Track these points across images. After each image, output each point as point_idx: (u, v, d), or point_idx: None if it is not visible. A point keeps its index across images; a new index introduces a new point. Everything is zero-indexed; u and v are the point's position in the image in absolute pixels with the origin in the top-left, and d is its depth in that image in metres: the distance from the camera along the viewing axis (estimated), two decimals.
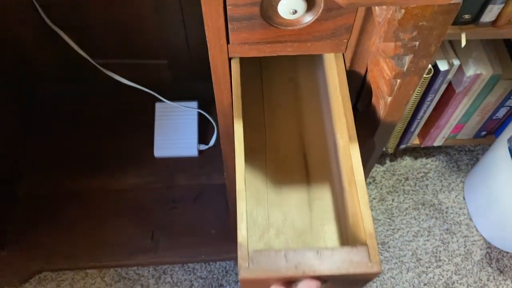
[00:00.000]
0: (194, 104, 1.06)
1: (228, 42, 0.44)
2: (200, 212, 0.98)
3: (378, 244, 0.94)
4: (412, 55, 0.37)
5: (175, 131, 1.05)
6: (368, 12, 0.39)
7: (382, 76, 0.41)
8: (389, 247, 0.97)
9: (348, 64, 0.46)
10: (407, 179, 1.05)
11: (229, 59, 0.46)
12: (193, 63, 1.06)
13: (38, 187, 0.99)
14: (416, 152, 1.08)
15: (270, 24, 0.42)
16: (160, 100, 1.04)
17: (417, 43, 0.35)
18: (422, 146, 1.00)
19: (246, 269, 0.36)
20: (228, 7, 0.40)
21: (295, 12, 0.40)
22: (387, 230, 0.98)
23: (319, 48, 0.45)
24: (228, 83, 0.49)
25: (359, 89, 0.49)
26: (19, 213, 0.96)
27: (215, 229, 0.96)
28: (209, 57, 0.46)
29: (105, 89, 1.06)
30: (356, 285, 0.43)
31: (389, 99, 0.42)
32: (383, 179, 1.04)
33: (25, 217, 0.96)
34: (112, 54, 1.04)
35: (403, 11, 0.32)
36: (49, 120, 1.06)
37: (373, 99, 0.46)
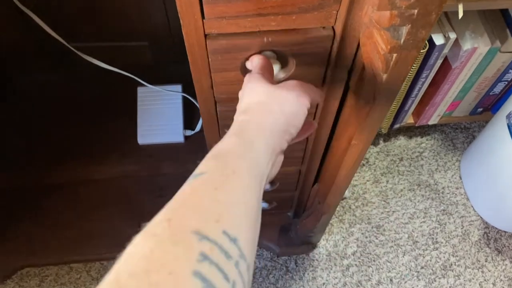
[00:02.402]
0: (178, 87, 1.02)
1: (203, 17, 0.39)
2: None
3: (373, 227, 0.91)
4: (410, 25, 0.32)
5: (159, 117, 1.00)
6: None
7: (377, 51, 0.37)
8: (384, 230, 0.94)
9: (338, 39, 0.42)
10: (401, 159, 1.01)
11: (206, 36, 0.42)
12: (175, 45, 1.01)
13: (17, 179, 0.94)
14: (411, 131, 1.04)
15: None
16: (142, 85, 0.99)
17: (416, 11, 0.31)
18: (416, 125, 0.97)
19: None
20: None
21: None
22: (382, 213, 0.95)
23: (305, 22, 0.40)
24: (206, 64, 0.45)
25: (351, 67, 0.44)
26: (3, 207, 0.91)
27: None
28: (183, 35, 0.42)
29: (84, 75, 1.01)
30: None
31: (385, 76, 0.38)
32: (376, 161, 1.01)
33: (5, 211, 0.91)
34: (89, 38, 0.98)
35: None
36: (27, 110, 1.00)
37: (367, 77, 0.41)
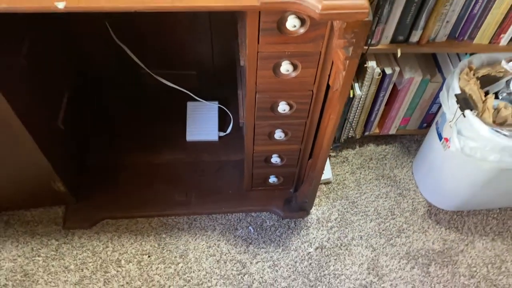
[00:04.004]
0: (216, 103, 1.45)
1: (258, 42, 0.82)
2: (221, 179, 1.34)
3: (349, 202, 1.30)
4: (352, 47, 0.75)
5: (201, 122, 1.42)
6: (332, 25, 0.78)
7: (339, 60, 0.79)
8: (357, 205, 1.33)
9: (322, 57, 0.85)
10: (371, 159, 1.42)
11: (258, 53, 0.84)
12: (216, 74, 1.45)
13: (102, 159, 1.34)
14: (377, 140, 1.46)
15: (281, 32, 0.80)
16: (190, 99, 1.42)
17: (354, 40, 0.74)
18: (380, 134, 1.39)
19: None
20: (261, 24, 0.78)
21: (295, 26, 0.79)
22: (356, 194, 1.35)
23: (308, 47, 0.83)
24: (255, 68, 0.87)
25: (330, 70, 0.87)
26: (88, 177, 1.31)
27: (231, 190, 1.32)
28: (247, 51, 0.84)
29: (151, 91, 1.44)
30: None
31: (344, 72, 0.80)
32: (353, 159, 1.42)
33: (93, 181, 1.30)
34: (155, 66, 1.42)
35: (345, 23, 0.71)
36: (110, 112, 1.43)
37: (335, 75, 0.84)
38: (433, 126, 1.26)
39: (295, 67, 0.88)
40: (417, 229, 1.30)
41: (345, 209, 1.32)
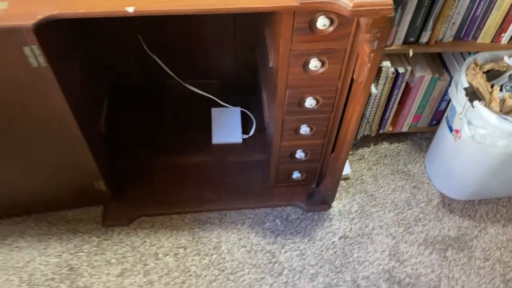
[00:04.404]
0: (238, 108, 1.55)
1: (291, 41, 0.93)
2: (246, 178, 1.43)
3: (368, 196, 1.40)
4: (377, 41, 0.86)
5: (225, 126, 1.52)
6: (357, 24, 0.89)
7: (365, 53, 0.90)
8: (376, 197, 1.42)
9: (347, 53, 0.96)
10: (385, 156, 1.52)
11: (290, 51, 0.95)
12: (237, 81, 1.56)
13: (138, 161, 1.43)
14: (390, 138, 1.56)
15: (312, 31, 0.91)
16: (215, 105, 1.52)
17: (379, 34, 0.84)
18: (394, 131, 1.49)
19: None
20: (294, 24, 0.89)
21: (325, 25, 0.89)
22: (374, 188, 1.44)
23: (335, 45, 0.94)
24: (287, 65, 0.97)
25: (354, 64, 0.98)
26: (125, 178, 1.40)
27: (257, 187, 1.41)
28: (281, 49, 0.95)
29: (176, 98, 1.55)
30: None
31: (369, 64, 0.91)
32: (369, 156, 1.52)
33: (129, 181, 1.39)
34: (181, 76, 1.53)
35: (372, 19, 0.82)
36: (142, 118, 1.53)
37: (360, 68, 0.95)
38: (444, 121, 1.36)
39: (322, 64, 0.99)
40: (433, 218, 1.38)
41: (364, 201, 1.41)
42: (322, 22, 0.88)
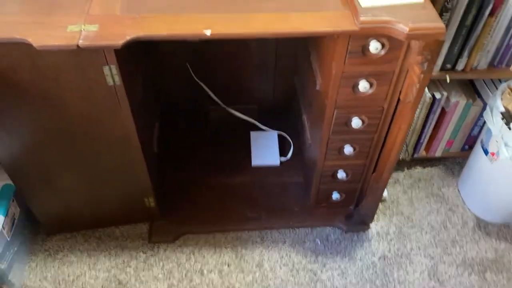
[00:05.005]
0: (275, 131, 1.62)
1: (344, 63, 1.00)
2: (286, 198, 1.48)
3: (405, 217, 1.44)
4: (427, 63, 0.93)
5: (264, 149, 1.58)
6: (408, 45, 0.96)
7: (414, 74, 0.97)
8: (412, 220, 1.46)
9: (396, 75, 1.03)
10: (419, 180, 1.57)
11: (342, 73, 1.02)
12: (275, 106, 1.64)
13: (183, 180, 1.49)
14: (423, 163, 1.61)
15: (364, 55, 0.99)
16: (253, 129, 1.60)
17: (430, 56, 0.91)
18: (427, 156, 1.54)
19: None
20: (349, 47, 0.96)
21: (377, 49, 0.97)
22: (410, 210, 1.48)
23: (385, 67, 1.01)
24: (338, 86, 1.04)
25: (402, 85, 1.05)
26: (169, 197, 1.45)
27: (297, 207, 1.45)
28: (334, 71, 1.02)
29: (217, 122, 1.62)
30: None
31: (418, 85, 0.97)
32: (404, 180, 1.56)
33: (174, 198, 1.44)
34: (223, 101, 1.61)
35: (423, 42, 0.89)
36: (187, 140, 1.60)
37: (408, 88, 1.01)
38: (478, 144, 1.41)
39: (371, 85, 1.06)
40: (469, 240, 1.41)
41: (401, 223, 1.45)
42: (374, 46, 0.96)
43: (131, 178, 1.21)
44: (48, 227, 1.35)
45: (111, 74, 0.94)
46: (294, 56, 1.51)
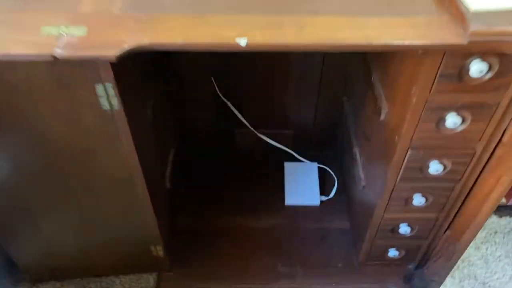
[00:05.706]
0: (315, 164, 1.33)
1: (430, 91, 0.72)
2: (327, 249, 1.19)
3: (479, 283, 1.12)
4: None
5: (301, 185, 1.30)
6: None
7: None
8: (489, 286, 1.14)
9: (501, 110, 0.73)
10: (496, 232, 1.25)
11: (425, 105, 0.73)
12: (315, 132, 1.35)
13: (200, 222, 1.22)
14: (501, 211, 1.29)
15: (460, 79, 0.70)
16: (287, 160, 1.31)
17: None
18: (508, 204, 1.23)
19: None
20: (441, 68, 0.68)
21: (481, 72, 0.68)
22: (485, 273, 1.17)
23: (486, 98, 0.72)
24: (417, 120, 0.76)
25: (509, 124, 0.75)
26: (182, 243, 1.18)
27: (342, 263, 1.16)
28: (414, 99, 0.73)
29: (246, 147, 1.34)
30: None
31: None
32: None
33: (186, 247, 1.18)
34: (253, 122, 1.33)
35: None
36: (204, 171, 1.33)
37: None
38: None
39: (463, 120, 0.76)
40: None
41: None
42: (478, 68, 0.67)
43: (134, 223, 0.95)
44: (34, 275, 1.10)
45: (107, 96, 0.68)
46: (345, 71, 1.21)
